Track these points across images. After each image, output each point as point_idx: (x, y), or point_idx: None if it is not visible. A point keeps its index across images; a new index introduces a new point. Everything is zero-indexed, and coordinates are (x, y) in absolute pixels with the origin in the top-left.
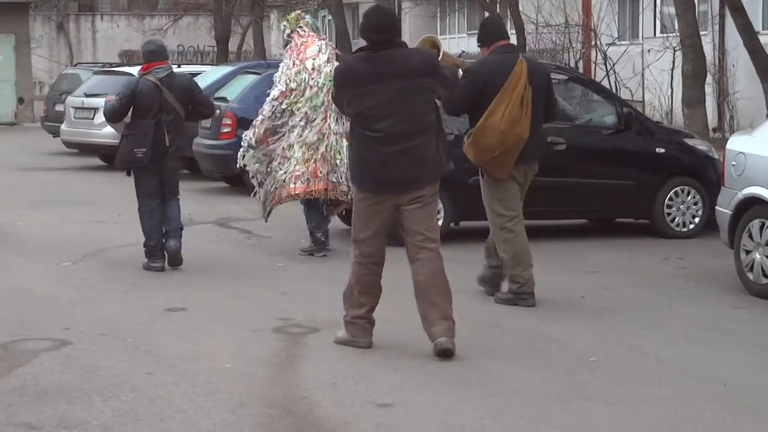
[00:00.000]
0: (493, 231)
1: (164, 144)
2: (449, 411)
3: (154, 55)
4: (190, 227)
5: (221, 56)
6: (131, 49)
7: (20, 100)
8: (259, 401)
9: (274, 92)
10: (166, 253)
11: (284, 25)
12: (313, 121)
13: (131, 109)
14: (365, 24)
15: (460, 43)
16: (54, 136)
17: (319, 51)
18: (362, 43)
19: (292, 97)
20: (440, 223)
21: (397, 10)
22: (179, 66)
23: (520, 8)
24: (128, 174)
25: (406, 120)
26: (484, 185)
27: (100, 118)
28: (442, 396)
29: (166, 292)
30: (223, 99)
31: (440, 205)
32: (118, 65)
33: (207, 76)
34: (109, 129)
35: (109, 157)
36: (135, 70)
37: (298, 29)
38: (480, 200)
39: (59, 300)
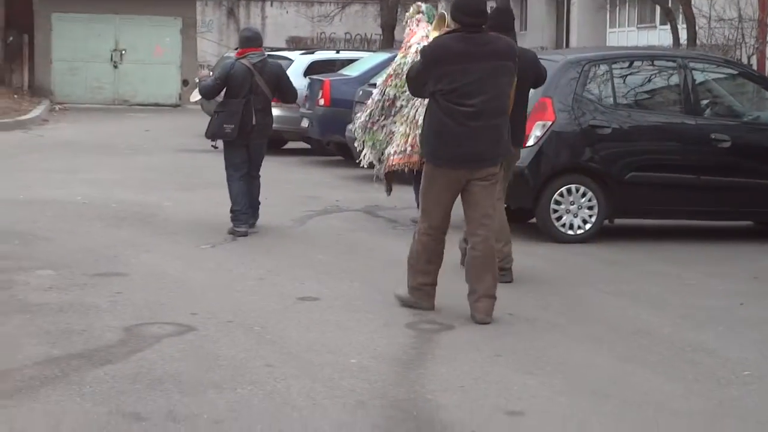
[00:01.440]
0: None
1: (251, 122)
2: (584, 423)
3: (250, 41)
4: (337, 213)
5: (386, 44)
6: (299, 35)
7: (184, 83)
8: (380, 401)
9: (382, 77)
10: (237, 233)
11: (406, 17)
12: (415, 100)
13: (224, 88)
14: (461, 6)
15: (629, 36)
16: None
17: (425, 36)
18: (532, 35)
19: (396, 80)
20: (593, 219)
21: (566, 2)
22: (338, 52)
23: (693, 1)
24: (214, 147)
25: (494, 98)
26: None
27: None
28: (578, 406)
29: (301, 280)
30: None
31: (594, 201)
32: (281, 50)
33: (363, 62)
34: None
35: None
36: (294, 55)
37: (415, 18)
38: (638, 197)
39: (192, 284)
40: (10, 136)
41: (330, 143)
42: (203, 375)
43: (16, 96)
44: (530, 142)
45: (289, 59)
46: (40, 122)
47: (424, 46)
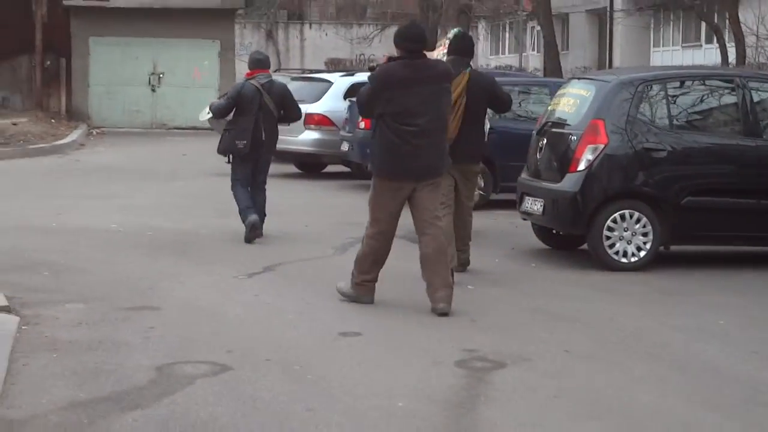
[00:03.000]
0: None
1: (261, 138)
2: None
3: (259, 63)
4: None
5: None
6: (338, 57)
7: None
8: None
9: None
10: (249, 222)
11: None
12: None
13: (234, 107)
14: (404, 35)
15: (674, 55)
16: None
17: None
18: (574, 54)
19: None
20: (648, 246)
21: (609, 21)
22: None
23: (741, 19)
24: (228, 161)
25: (436, 118)
26: None
27: (296, 125)
28: None
29: (343, 313)
30: None
31: (649, 227)
32: (320, 72)
33: None
34: (306, 136)
35: (305, 165)
36: (334, 77)
37: (442, 43)
38: (695, 222)
39: (227, 318)
40: (46, 161)
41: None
42: (239, 421)
43: (53, 120)
44: (581, 165)
45: (329, 81)
46: (77, 147)
47: (372, 73)
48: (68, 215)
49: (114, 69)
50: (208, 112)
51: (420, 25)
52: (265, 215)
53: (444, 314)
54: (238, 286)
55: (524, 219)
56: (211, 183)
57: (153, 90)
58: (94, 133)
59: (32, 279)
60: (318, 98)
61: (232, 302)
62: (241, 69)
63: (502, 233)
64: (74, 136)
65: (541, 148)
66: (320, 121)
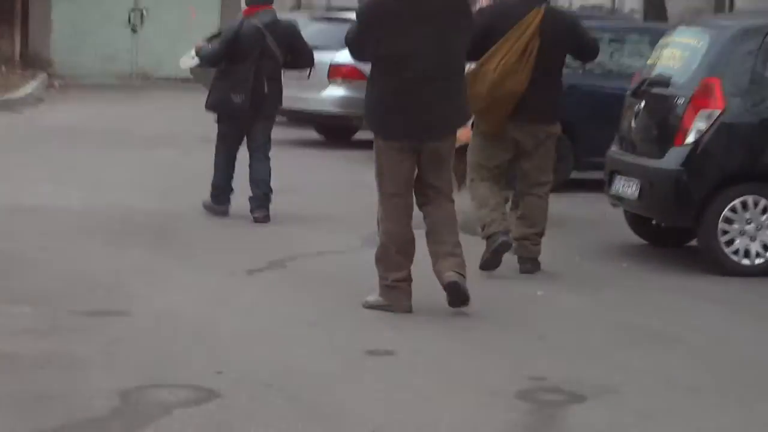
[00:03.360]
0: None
1: (263, 92)
2: None
3: None
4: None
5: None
6: None
7: None
8: None
9: None
10: (218, 210)
11: None
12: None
13: (229, 52)
14: None
15: None
16: None
17: None
18: None
19: None
20: None
21: None
22: None
23: None
24: (217, 120)
25: (443, 61)
26: (472, 136)
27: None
28: None
29: (369, 324)
30: None
31: None
32: (349, 10)
33: None
34: (330, 92)
35: (328, 130)
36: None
37: None
38: None
39: (217, 329)
40: None
41: None
42: None
43: (2, 68)
44: (690, 137)
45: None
46: (33, 102)
47: (360, 5)
48: (17, 191)
49: (84, 2)
50: (193, 57)
51: None
52: (270, 191)
53: (456, 287)
54: (233, 287)
55: (614, 205)
56: (207, 153)
57: (134, 30)
58: (57, 84)
59: None
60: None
61: (224, 308)
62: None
63: (585, 223)
64: (30, 88)
65: (637, 114)
66: (349, 74)
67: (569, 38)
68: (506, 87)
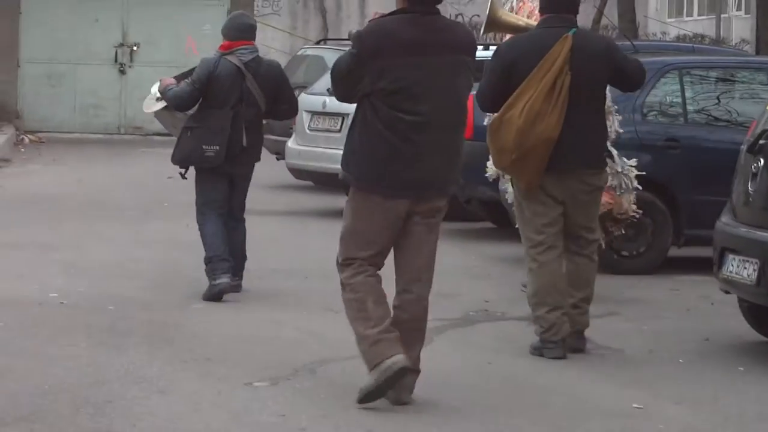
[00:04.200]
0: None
1: (241, 143)
2: None
3: (240, 32)
4: (487, 324)
5: None
6: None
7: None
8: None
9: None
10: (214, 288)
11: None
12: None
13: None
14: None
15: None
16: (277, 158)
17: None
18: None
19: None
20: None
21: None
22: (486, 48)
23: None
24: (183, 176)
25: (450, 105)
26: (514, 197)
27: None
28: None
29: None
30: None
31: None
32: None
33: None
34: None
35: None
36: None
37: None
38: None
39: None
40: None
41: (471, 200)
42: None
43: None
44: None
45: None
46: None
47: (358, 31)
48: None
49: (60, 37)
50: (158, 99)
51: None
52: (245, 258)
53: (402, 404)
54: (253, 400)
55: (726, 292)
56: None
57: (122, 71)
58: (27, 140)
59: None
60: None
61: (243, 427)
62: (266, 38)
63: (690, 314)
64: None
65: (755, 175)
66: None
67: (606, 66)
68: (536, 133)
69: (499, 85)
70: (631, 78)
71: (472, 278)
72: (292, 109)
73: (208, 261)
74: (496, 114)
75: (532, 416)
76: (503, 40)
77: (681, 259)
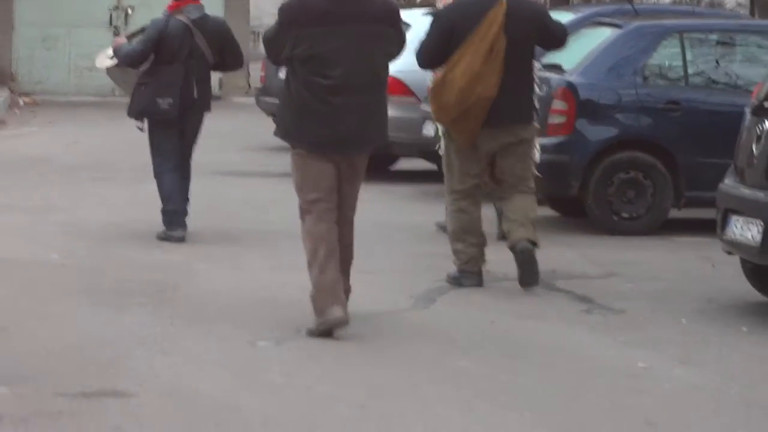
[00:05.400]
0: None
1: (192, 96)
2: None
3: None
4: (487, 285)
5: None
6: None
7: None
8: None
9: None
10: (172, 238)
11: None
12: None
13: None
14: None
15: None
16: (274, 119)
17: None
18: None
19: None
20: None
21: None
22: None
23: None
24: (140, 128)
25: (363, 70)
26: (444, 148)
27: None
28: None
29: (432, 410)
30: (557, 67)
31: None
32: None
33: None
34: None
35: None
36: (412, 16)
37: None
38: None
39: (243, 415)
40: None
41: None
42: None
43: None
44: None
45: (405, 23)
46: None
47: (282, 3)
48: None
49: (55, 0)
50: (111, 57)
51: None
52: (188, 200)
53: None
54: (257, 359)
55: (729, 252)
56: (212, 186)
57: (116, 34)
58: (22, 103)
59: None
60: None
61: (248, 387)
62: (259, 3)
63: (690, 276)
64: None
65: (759, 137)
66: (392, 89)
67: (536, 29)
68: (476, 93)
69: (439, 46)
70: (557, 39)
71: (562, 245)
72: (238, 62)
73: (166, 212)
74: (437, 73)
75: (537, 376)
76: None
77: (681, 221)
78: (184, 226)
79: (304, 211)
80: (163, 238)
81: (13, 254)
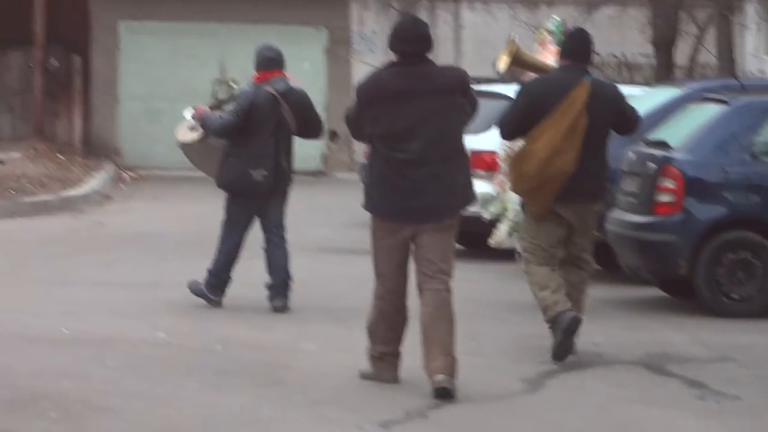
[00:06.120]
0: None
1: (282, 167)
2: None
3: (272, 62)
4: (598, 368)
5: (662, 71)
6: None
7: (332, 135)
8: None
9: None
10: (211, 301)
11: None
12: None
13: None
14: (398, 34)
15: None
16: None
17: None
18: None
19: None
20: None
21: None
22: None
23: None
24: (230, 200)
25: (439, 142)
26: (523, 217)
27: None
28: None
29: None
30: (663, 144)
31: None
32: (491, 81)
33: (638, 102)
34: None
35: (466, 236)
36: (512, 90)
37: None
38: None
39: None
40: (51, 223)
41: None
42: None
43: (61, 156)
44: None
45: (505, 96)
46: (99, 200)
47: (359, 84)
48: (86, 316)
49: (158, 74)
50: (193, 128)
51: (419, 19)
52: (290, 277)
53: (445, 391)
54: None
55: None
56: (318, 263)
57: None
58: (127, 177)
59: (31, 425)
60: (488, 126)
61: None
62: (357, 73)
63: None
64: (95, 183)
65: None
66: (493, 165)
67: (614, 113)
68: (555, 166)
69: (524, 117)
70: (631, 124)
71: (667, 326)
72: (319, 132)
73: (213, 275)
74: (519, 144)
75: None
76: (523, 78)
77: None
78: (224, 293)
79: (377, 280)
80: (198, 294)
81: (120, 332)
